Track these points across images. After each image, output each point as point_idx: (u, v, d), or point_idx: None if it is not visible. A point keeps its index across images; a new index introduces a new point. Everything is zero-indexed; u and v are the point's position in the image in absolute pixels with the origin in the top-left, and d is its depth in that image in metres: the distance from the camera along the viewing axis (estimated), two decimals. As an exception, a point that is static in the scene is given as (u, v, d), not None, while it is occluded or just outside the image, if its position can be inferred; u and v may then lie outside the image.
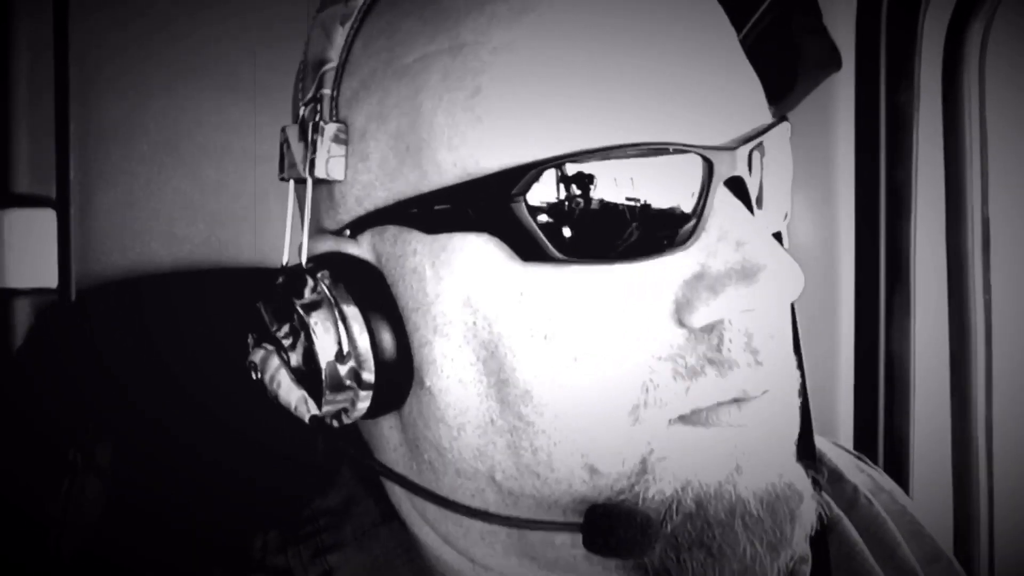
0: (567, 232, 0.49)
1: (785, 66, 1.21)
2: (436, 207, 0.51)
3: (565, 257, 0.49)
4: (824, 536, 0.55)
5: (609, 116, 0.49)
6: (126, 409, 0.75)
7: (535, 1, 0.50)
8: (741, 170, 0.51)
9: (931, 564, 0.77)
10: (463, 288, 0.51)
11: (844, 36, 1.24)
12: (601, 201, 0.49)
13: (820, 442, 0.76)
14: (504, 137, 0.49)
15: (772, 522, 0.51)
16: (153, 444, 0.73)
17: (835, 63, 1.23)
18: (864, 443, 1.28)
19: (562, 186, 0.48)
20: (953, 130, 1.21)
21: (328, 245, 0.55)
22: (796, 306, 0.60)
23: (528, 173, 0.48)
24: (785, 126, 0.55)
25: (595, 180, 0.48)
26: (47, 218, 0.88)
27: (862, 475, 0.80)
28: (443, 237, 0.51)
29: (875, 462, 1.26)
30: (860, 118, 1.26)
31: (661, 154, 0.48)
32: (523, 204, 0.48)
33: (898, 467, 1.26)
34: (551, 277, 0.50)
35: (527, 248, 0.49)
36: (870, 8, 1.24)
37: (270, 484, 0.64)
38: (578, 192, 0.49)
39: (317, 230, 0.57)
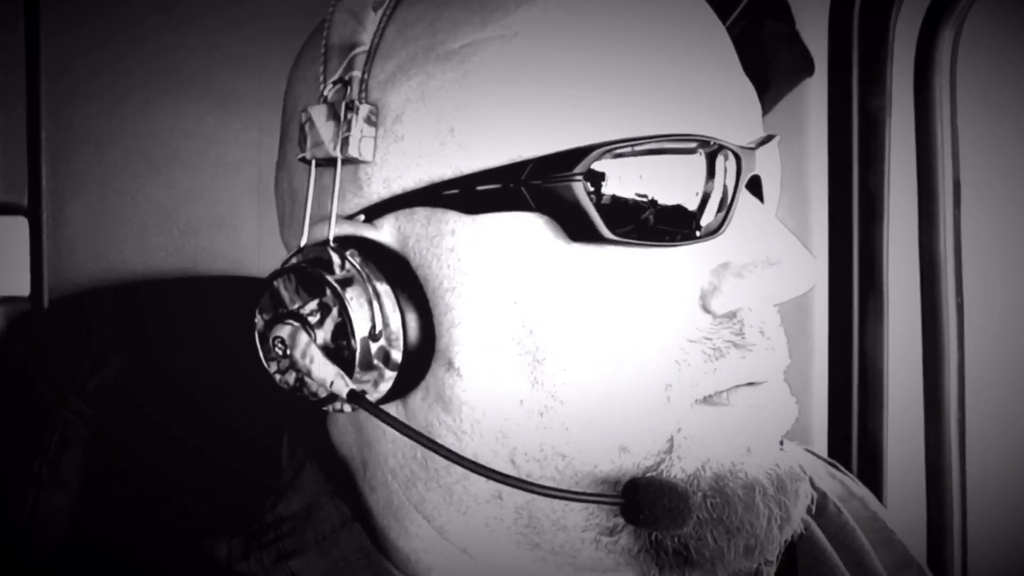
0: (616, 213, 0.51)
1: (757, 71, 1.21)
2: (480, 187, 0.52)
3: (615, 237, 0.51)
4: (792, 541, 0.56)
5: (658, 108, 0.52)
6: (96, 418, 0.74)
7: None
8: (759, 169, 0.54)
9: (902, 571, 0.78)
10: (506, 267, 0.52)
11: (816, 41, 1.25)
12: (647, 186, 0.51)
13: (790, 448, 0.76)
14: (563, 120, 0.51)
15: (783, 498, 0.54)
16: (123, 453, 0.73)
17: (807, 68, 1.24)
18: (838, 446, 1.28)
19: (616, 169, 0.51)
20: (925, 135, 1.21)
21: (342, 230, 0.55)
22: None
23: (590, 154, 0.50)
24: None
25: (644, 166, 0.51)
26: (19, 226, 0.88)
27: (833, 481, 0.81)
28: (486, 217, 0.52)
29: (849, 465, 1.27)
30: (832, 123, 1.27)
31: (705, 147, 0.52)
32: (582, 184, 0.50)
33: (872, 470, 1.26)
34: (596, 257, 0.52)
35: (578, 227, 0.51)
36: (842, 14, 1.25)
37: (235, 491, 0.64)
38: (628, 176, 0.51)
39: (323, 217, 0.56)
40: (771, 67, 1.22)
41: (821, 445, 1.29)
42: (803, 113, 1.26)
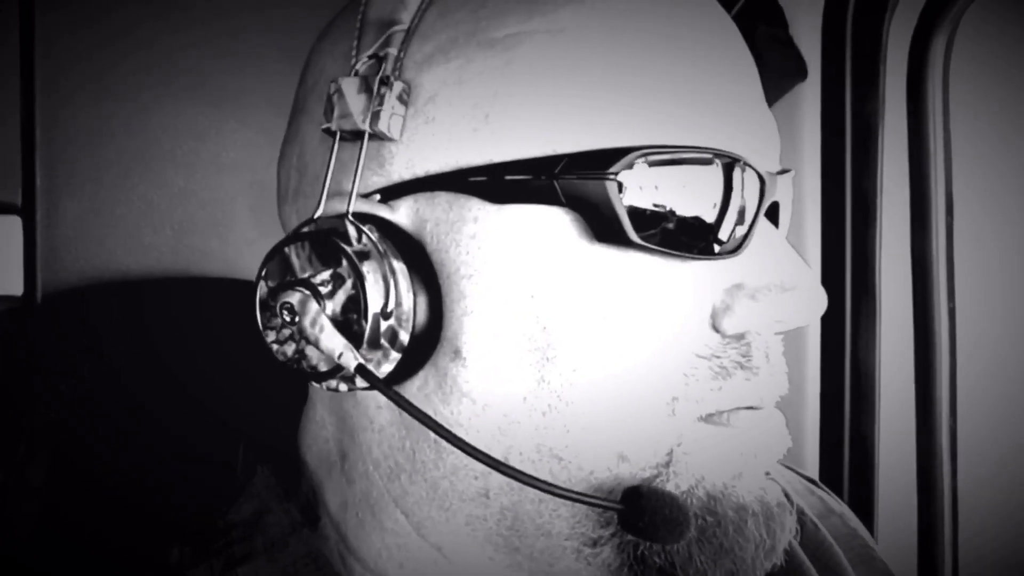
0: (644, 219, 0.51)
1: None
2: (509, 177, 0.51)
3: (640, 241, 0.50)
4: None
5: (691, 121, 0.52)
6: (63, 426, 0.74)
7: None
8: (778, 196, 0.55)
9: None
10: (527, 259, 0.51)
11: (809, 46, 1.25)
12: (675, 196, 0.51)
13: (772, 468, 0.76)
14: (600, 120, 0.51)
15: (772, 524, 0.54)
16: (89, 460, 0.73)
17: (801, 73, 1.24)
18: (830, 450, 1.28)
19: (650, 174, 0.51)
20: (918, 139, 1.21)
21: (357, 207, 0.54)
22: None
23: (628, 155, 0.50)
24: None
25: (675, 176, 0.51)
26: (12, 225, 0.88)
27: (812, 497, 0.81)
28: (512, 208, 0.51)
29: (840, 468, 1.27)
30: (826, 128, 1.27)
31: (730, 165, 0.52)
32: (616, 184, 0.50)
33: (864, 473, 1.27)
34: (617, 259, 0.51)
35: (605, 227, 0.50)
36: (835, 18, 1.25)
37: (190, 498, 0.63)
38: (660, 183, 0.51)
39: (337, 192, 0.54)
40: (764, 71, 1.22)
41: (813, 448, 1.29)
42: (797, 117, 1.26)
